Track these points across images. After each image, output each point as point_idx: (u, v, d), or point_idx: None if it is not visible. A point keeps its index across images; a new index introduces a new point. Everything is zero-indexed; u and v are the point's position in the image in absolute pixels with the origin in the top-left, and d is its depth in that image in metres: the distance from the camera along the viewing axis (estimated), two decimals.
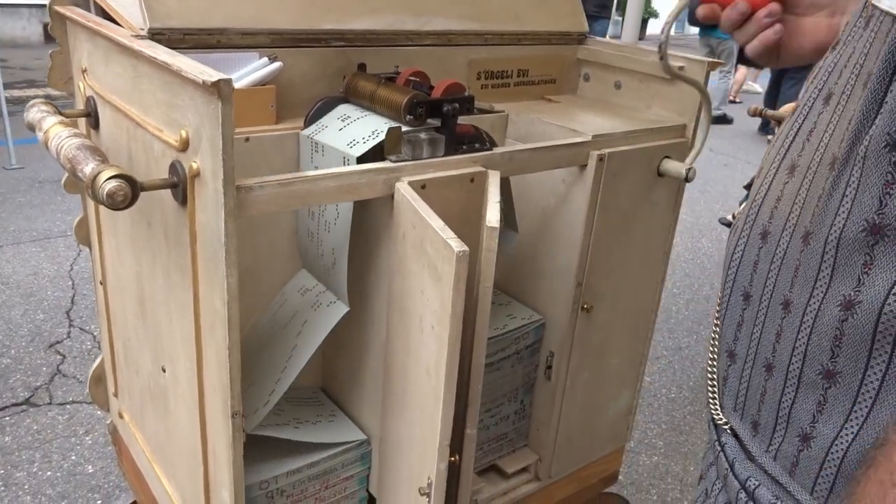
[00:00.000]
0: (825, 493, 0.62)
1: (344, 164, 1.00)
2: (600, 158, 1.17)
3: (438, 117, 1.00)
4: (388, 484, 1.08)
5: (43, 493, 2.20)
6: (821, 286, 0.61)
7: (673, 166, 1.26)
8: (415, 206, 0.87)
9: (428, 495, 0.88)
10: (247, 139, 1.03)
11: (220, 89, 0.74)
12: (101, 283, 1.33)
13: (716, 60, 1.29)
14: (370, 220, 1.05)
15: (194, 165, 0.83)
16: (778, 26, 0.92)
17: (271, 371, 1.09)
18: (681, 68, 1.30)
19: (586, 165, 1.18)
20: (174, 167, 0.87)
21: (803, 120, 0.69)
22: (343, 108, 1.09)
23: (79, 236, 1.36)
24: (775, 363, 0.67)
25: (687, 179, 1.25)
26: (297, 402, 1.22)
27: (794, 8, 0.94)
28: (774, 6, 0.92)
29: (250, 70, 1.05)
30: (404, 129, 0.98)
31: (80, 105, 1.20)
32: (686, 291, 4.21)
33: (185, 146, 0.85)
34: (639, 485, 2.69)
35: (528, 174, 1.23)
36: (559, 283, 1.27)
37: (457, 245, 0.77)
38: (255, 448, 1.08)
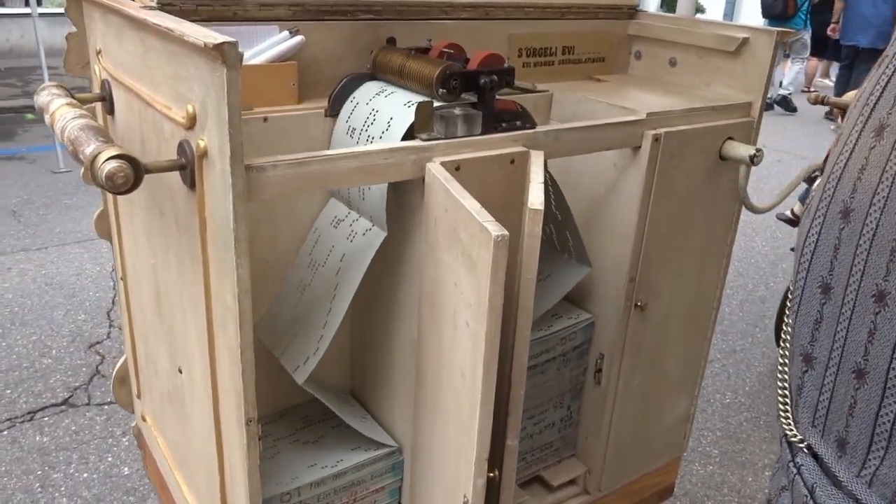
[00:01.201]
0: None
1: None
2: (656, 139, 1.05)
3: (475, 91, 0.90)
4: (422, 499, 0.98)
5: (79, 494, 2.17)
6: None
7: (737, 148, 1.13)
8: (448, 188, 0.77)
9: None
10: (265, 119, 0.95)
11: (223, 53, 0.66)
12: (121, 279, 1.27)
13: (786, 30, 1.16)
14: (399, 205, 0.95)
15: (201, 143, 0.75)
16: None
17: (316, 317, 0.99)
18: (745, 39, 1.17)
19: (640, 147, 1.06)
20: (182, 147, 0.79)
21: (893, 71, 0.56)
22: (371, 87, 0.99)
23: (99, 230, 1.29)
24: (868, 368, 0.54)
25: (753, 163, 1.12)
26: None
27: None
28: None
29: (270, 45, 0.96)
30: (436, 104, 0.88)
31: (95, 89, 1.13)
32: (739, 292, 4.02)
33: (192, 123, 0.76)
34: (693, 496, 2.53)
35: (574, 158, 1.12)
36: (610, 278, 1.16)
37: (494, 229, 0.67)
38: (276, 456, 0.99)
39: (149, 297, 1.10)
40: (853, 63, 6.10)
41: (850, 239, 0.57)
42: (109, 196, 1.21)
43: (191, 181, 0.79)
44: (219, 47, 0.65)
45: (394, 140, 0.88)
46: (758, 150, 1.12)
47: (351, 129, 0.97)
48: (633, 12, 1.33)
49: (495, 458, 0.85)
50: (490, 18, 1.16)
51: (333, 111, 0.99)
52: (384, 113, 0.91)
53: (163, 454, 1.22)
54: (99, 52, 1.07)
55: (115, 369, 1.40)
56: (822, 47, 6.76)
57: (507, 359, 0.80)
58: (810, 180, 3.09)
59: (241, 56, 0.68)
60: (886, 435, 0.54)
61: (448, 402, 0.81)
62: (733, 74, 1.20)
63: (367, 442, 1.06)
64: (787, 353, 0.68)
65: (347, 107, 0.98)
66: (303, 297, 1.02)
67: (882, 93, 0.57)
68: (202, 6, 0.92)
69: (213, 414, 0.89)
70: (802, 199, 3.07)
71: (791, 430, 0.66)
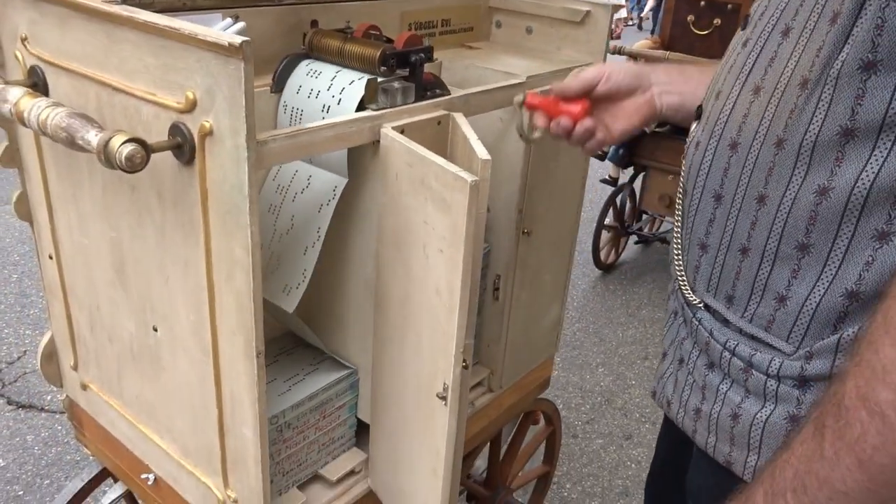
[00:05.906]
0: (799, 338, 0.80)
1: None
2: None
3: (406, 67, 1.09)
4: (387, 402, 1.20)
5: None
6: (796, 179, 0.76)
7: None
8: (410, 147, 0.97)
9: (445, 399, 1.01)
10: None
11: (243, 51, 0.80)
12: (50, 258, 1.32)
13: (618, 3, 1.46)
14: (349, 165, 1.13)
15: (206, 124, 0.88)
16: (596, 137, 1.13)
17: (295, 251, 1.15)
18: (588, 12, 1.46)
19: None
20: (177, 128, 0.91)
21: (760, 50, 0.84)
22: (314, 66, 1.15)
23: (18, 212, 1.32)
24: (751, 246, 0.83)
25: None
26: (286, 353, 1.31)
27: (612, 101, 1.14)
28: (588, 122, 1.11)
29: (220, 30, 1.08)
30: (379, 79, 1.06)
31: (16, 75, 1.17)
32: None
33: (192, 107, 0.89)
34: (545, 396, 2.95)
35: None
36: (503, 212, 1.42)
37: (468, 176, 0.89)
38: None
39: (102, 271, 1.19)
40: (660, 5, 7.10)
41: (738, 162, 0.84)
42: (34, 177, 1.25)
43: (188, 158, 0.92)
44: (239, 48, 0.80)
45: (348, 112, 1.05)
46: None
47: (297, 106, 1.12)
48: None
49: None
50: None
51: (278, 88, 1.14)
52: (335, 88, 1.08)
53: (119, 414, 1.31)
54: (24, 39, 1.11)
55: (41, 347, 1.44)
56: None
57: None
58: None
59: (253, 51, 0.83)
60: (762, 287, 0.83)
61: (420, 317, 1.03)
62: (579, 41, 1.49)
63: (327, 366, 1.26)
64: (680, 245, 0.97)
65: (293, 82, 1.13)
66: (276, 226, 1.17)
67: (754, 64, 0.84)
68: None
69: (213, 357, 1.04)
70: (612, 158, 3.55)
71: (691, 296, 0.95)
